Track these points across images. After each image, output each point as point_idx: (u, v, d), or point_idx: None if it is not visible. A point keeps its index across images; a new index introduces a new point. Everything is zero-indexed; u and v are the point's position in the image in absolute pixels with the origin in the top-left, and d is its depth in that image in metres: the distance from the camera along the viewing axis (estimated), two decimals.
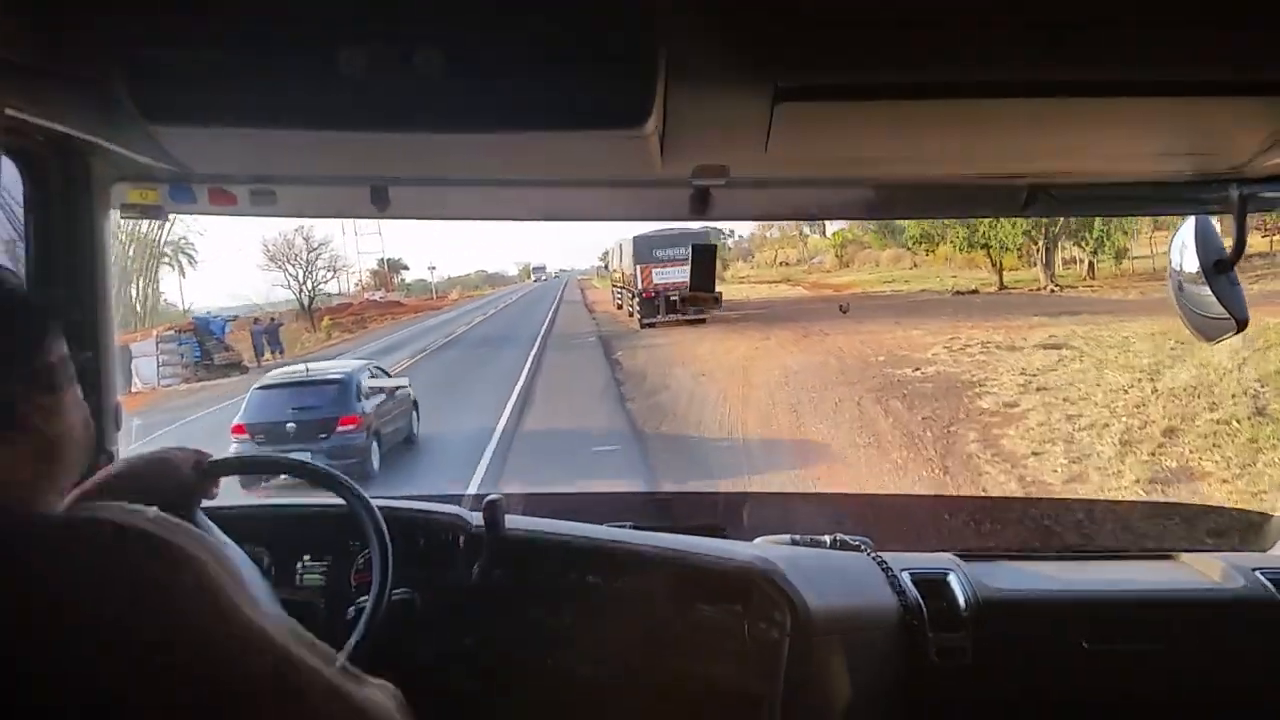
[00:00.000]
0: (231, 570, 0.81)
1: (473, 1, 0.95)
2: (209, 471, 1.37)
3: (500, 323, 30.90)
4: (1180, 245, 1.46)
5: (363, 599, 1.47)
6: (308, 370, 11.07)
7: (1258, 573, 1.69)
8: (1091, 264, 25.30)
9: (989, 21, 0.93)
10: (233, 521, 1.70)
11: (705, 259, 1.72)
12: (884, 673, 1.61)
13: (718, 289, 2.04)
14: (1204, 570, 1.75)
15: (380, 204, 1.51)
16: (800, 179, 1.54)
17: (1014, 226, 22.07)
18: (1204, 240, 1.42)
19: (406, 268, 58.45)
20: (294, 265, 33.72)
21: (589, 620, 1.66)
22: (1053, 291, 23.00)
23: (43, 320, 0.84)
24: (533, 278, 72.48)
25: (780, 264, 49.92)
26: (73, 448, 0.86)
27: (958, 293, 24.64)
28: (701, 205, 1.57)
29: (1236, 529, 2.20)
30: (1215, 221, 1.48)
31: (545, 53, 0.96)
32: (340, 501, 1.50)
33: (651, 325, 21.42)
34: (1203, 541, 2.00)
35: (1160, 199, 1.56)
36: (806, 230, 50.02)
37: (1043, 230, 22.45)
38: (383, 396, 10.35)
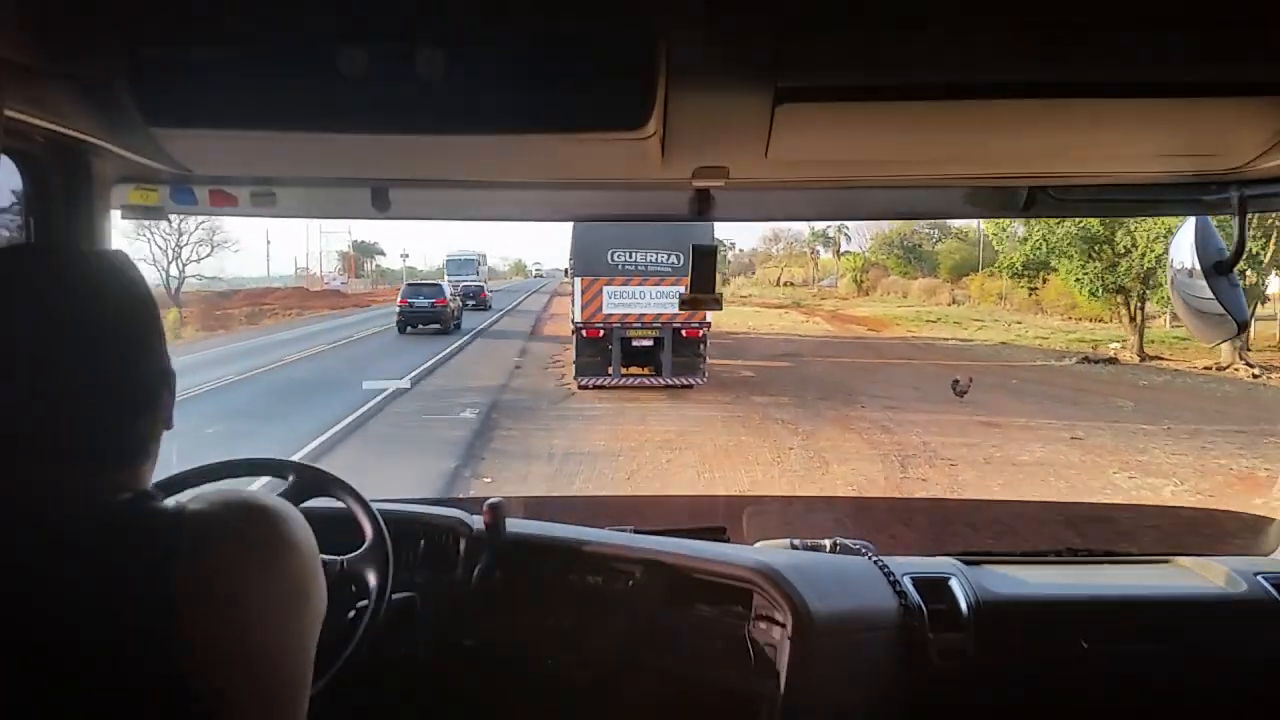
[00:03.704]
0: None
1: (473, 3, 0.95)
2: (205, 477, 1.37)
3: (367, 349, 19.81)
4: (1180, 246, 1.46)
5: (363, 601, 1.46)
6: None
7: (1259, 576, 1.68)
8: None
9: (989, 22, 0.93)
10: None
11: (706, 261, 1.72)
12: (885, 675, 1.61)
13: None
14: (1206, 573, 1.75)
15: (381, 205, 1.51)
16: (801, 180, 1.54)
17: (1158, 262, 15.34)
18: (1204, 241, 1.42)
19: (382, 253, 57.42)
20: (162, 235, 27.98)
21: (590, 622, 1.66)
22: (1255, 375, 15.37)
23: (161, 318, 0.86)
24: (531, 274, 73.06)
25: (785, 283, 45.36)
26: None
27: (1087, 360, 17.65)
28: (702, 206, 1.57)
29: (1238, 533, 2.20)
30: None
31: (546, 54, 0.96)
32: (340, 504, 1.50)
33: (593, 387, 13.07)
34: (1204, 545, 1.99)
35: (1160, 200, 1.57)
36: (818, 247, 46.34)
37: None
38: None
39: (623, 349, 13.26)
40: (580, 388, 13.26)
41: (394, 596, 1.47)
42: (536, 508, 1.99)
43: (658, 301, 13.10)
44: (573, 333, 13.79)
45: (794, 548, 1.82)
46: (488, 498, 1.73)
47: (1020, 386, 13.97)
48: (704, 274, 1.73)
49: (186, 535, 0.76)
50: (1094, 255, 17.46)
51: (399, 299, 23.42)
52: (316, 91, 0.97)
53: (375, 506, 1.51)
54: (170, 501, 0.81)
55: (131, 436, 0.81)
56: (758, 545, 1.83)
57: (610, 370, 13.29)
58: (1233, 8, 0.91)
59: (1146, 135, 1.23)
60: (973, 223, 38.64)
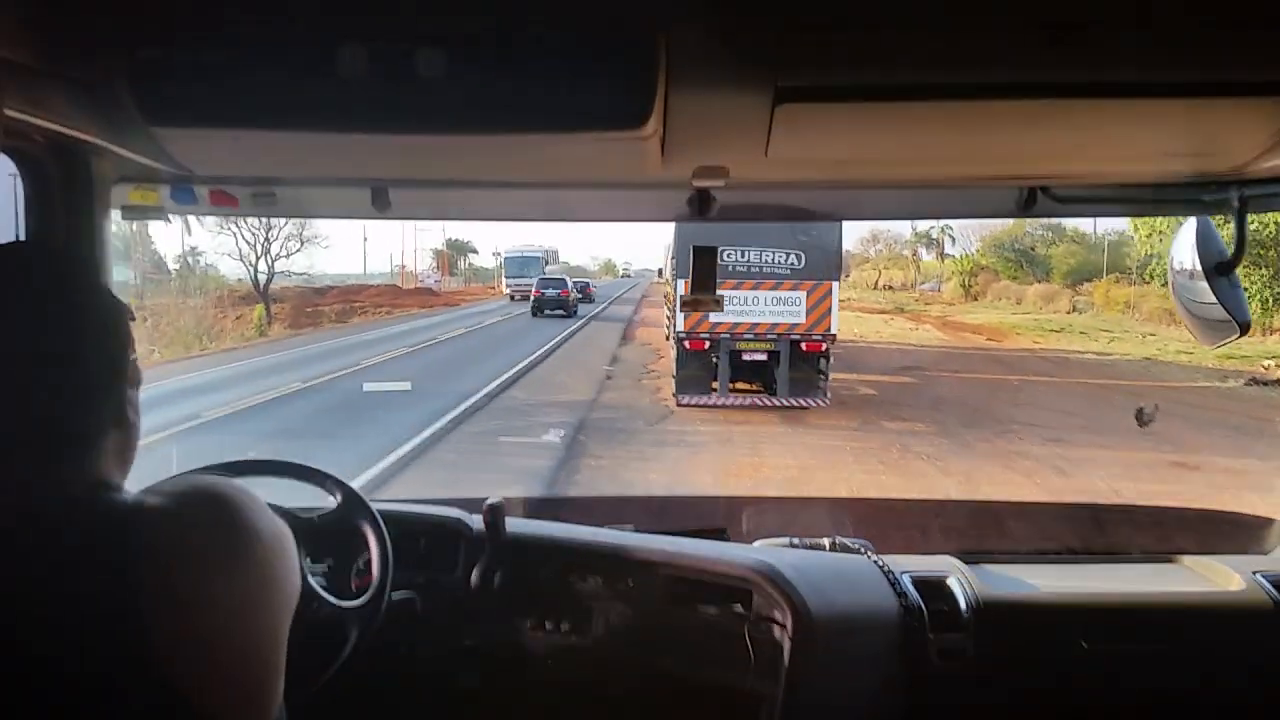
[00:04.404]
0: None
1: (473, 3, 0.95)
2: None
3: (450, 352, 18.35)
4: (1180, 247, 1.46)
5: (363, 600, 1.46)
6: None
7: (1258, 576, 1.69)
8: None
9: (989, 22, 0.93)
10: None
11: (706, 261, 1.72)
12: (885, 674, 1.61)
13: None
14: (1205, 573, 1.75)
15: (381, 205, 1.52)
16: (800, 180, 1.54)
17: None
18: (1205, 242, 1.42)
19: (475, 251, 57.90)
20: (250, 229, 26.58)
21: (590, 622, 1.66)
22: None
23: (127, 316, 0.87)
24: (620, 274, 71.84)
25: (884, 287, 42.32)
26: (138, 440, 0.90)
27: (1255, 381, 14.39)
28: (702, 206, 1.57)
29: (1238, 533, 2.19)
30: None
31: (546, 54, 0.96)
32: (341, 504, 1.50)
33: (697, 405, 11.48)
34: (1204, 545, 1.99)
35: (1161, 200, 1.57)
36: (920, 249, 43.87)
37: None
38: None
39: (731, 364, 11.60)
40: (680, 405, 11.59)
41: (394, 596, 1.47)
42: (536, 508, 1.99)
43: (774, 309, 11.48)
44: (672, 343, 12.25)
45: (793, 547, 1.83)
46: (487, 497, 1.73)
47: (1193, 414, 11.52)
48: (704, 273, 1.73)
49: (146, 530, 0.76)
50: (1260, 262, 14.96)
51: (533, 290, 28.31)
52: (316, 91, 0.97)
53: (375, 507, 1.51)
54: (130, 494, 0.81)
55: (83, 427, 0.81)
56: (757, 545, 1.83)
57: (716, 387, 11.63)
58: (1233, 8, 0.91)
59: (1146, 135, 1.23)
60: (1090, 224, 36.93)
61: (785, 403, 11.48)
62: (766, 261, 11.42)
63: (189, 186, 1.49)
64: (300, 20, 0.95)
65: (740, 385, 11.97)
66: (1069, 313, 27.28)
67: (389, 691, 1.61)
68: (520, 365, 15.34)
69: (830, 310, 11.53)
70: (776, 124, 1.11)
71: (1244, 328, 1.40)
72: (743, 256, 11.41)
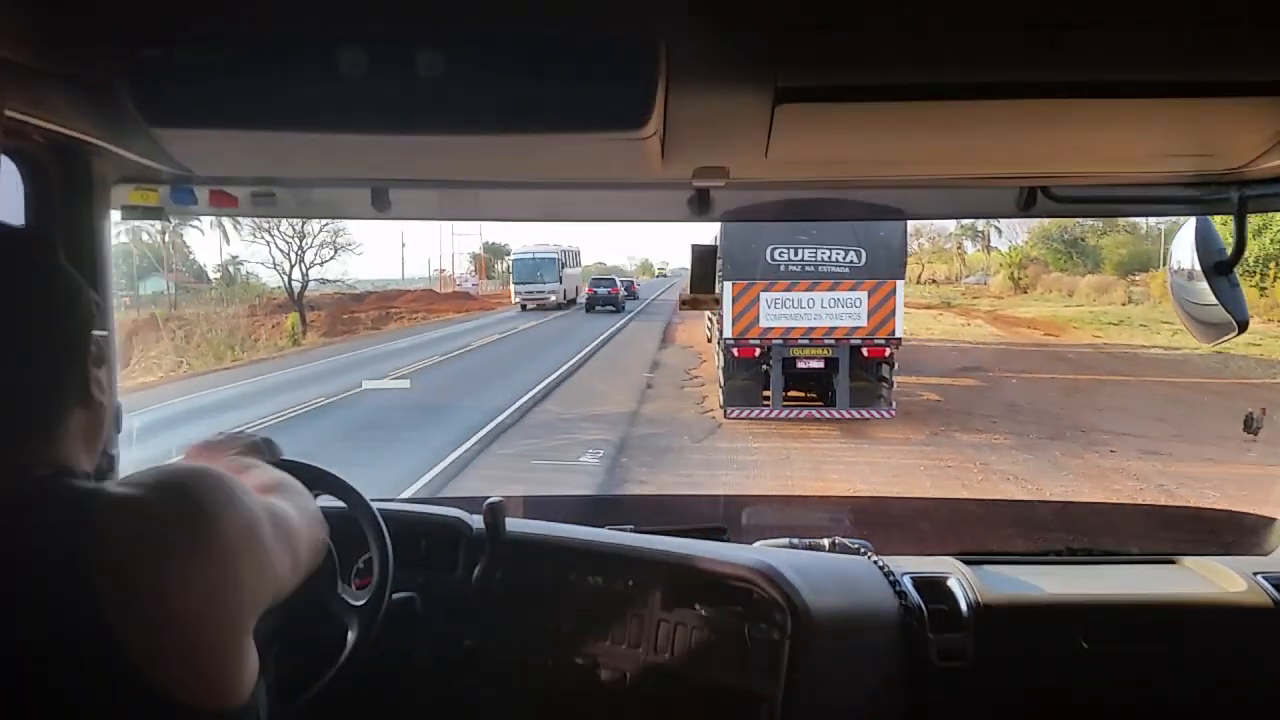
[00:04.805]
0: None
1: (473, 3, 0.95)
2: None
3: (482, 361, 17.62)
4: (1180, 246, 1.46)
5: (363, 600, 1.46)
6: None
7: (1259, 576, 1.68)
8: None
9: (989, 22, 0.93)
10: None
11: (706, 261, 1.72)
12: (885, 674, 1.61)
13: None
14: (1205, 574, 1.75)
15: (381, 205, 1.52)
16: (800, 180, 1.54)
17: None
18: (1204, 241, 1.42)
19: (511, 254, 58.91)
20: (283, 238, 26.17)
21: (589, 622, 1.66)
22: None
23: (90, 296, 0.87)
24: (656, 274, 70.89)
25: (929, 281, 41.14)
26: (109, 420, 0.90)
27: None
28: (702, 207, 1.57)
29: (1238, 533, 2.19)
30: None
31: (546, 54, 0.97)
32: (341, 504, 1.50)
33: (746, 418, 10.54)
34: (1204, 545, 1.99)
35: (1160, 200, 1.57)
36: (965, 242, 43.03)
37: None
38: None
39: (785, 372, 10.55)
40: (727, 415, 10.65)
41: (394, 596, 1.47)
42: (536, 507, 1.99)
43: (831, 311, 10.45)
44: (717, 349, 11.31)
45: (793, 547, 1.83)
46: (487, 497, 1.73)
47: None
48: (704, 273, 1.73)
49: (101, 516, 0.76)
50: None
51: (587, 288, 30.87)
52: (316, 91, 0.98)
53: (375, 506, 1.51)
54: (92, 481, 0.81)
55: (43, 408, 0.81)
56: (757, 545, 1.82)
57: (768, 398, 10.56)
58: (1233, 8, 0.91)
59: (1146, 135, 1.23)
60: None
61: (846, 415, 10.45)
62: (823, 260, 10.45)
63: (189, 187, 1.50)
64: (300, 21, 0.96)
65: (792, 394, 10.96)
66: (1124, 304, 26.14)
67: (389, 691, 1.61)
68: (556, 374, 14.48)
69: (894, 311, 10.53)
70: (776, 124, 1.11)
71: (1242, 326, 1.41)
72: (795, 255, 10.41)
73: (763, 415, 10.56)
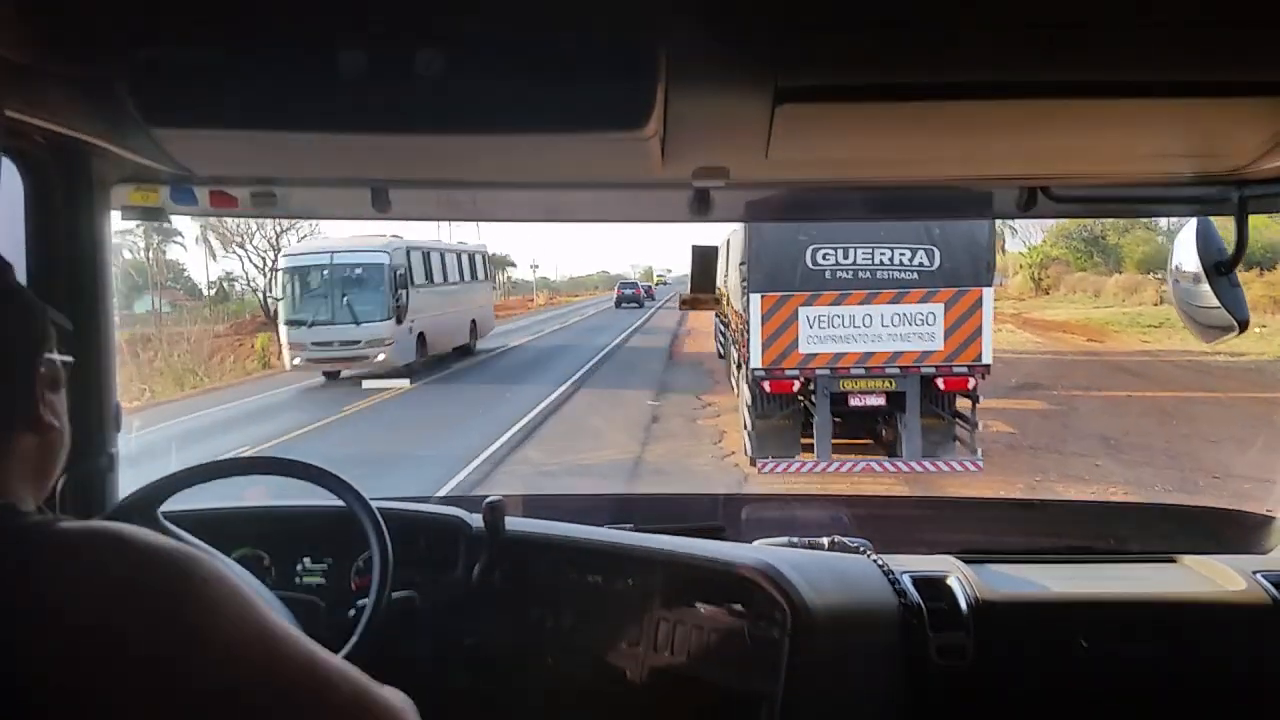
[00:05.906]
0: (242, 579, 0.78)
1: (473, 3, 0.95)
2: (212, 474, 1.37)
3: (460, 391, 14.51)
4: (1181, 247, 1.46)
5: (363, 600, 1.47)
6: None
7: (1258, 575, 1.68)
8: None
9: (989, 22, 0.93)
10: (233, 523, 1.71)
11: (707, 261, 1.72)
12: (884, 672, 1.61)
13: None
14: (1205, 572, 1.75)
15: (381, 206, 1.52)
16: (801, 180, 1.54)
17: None
18: (1205, 241, 1.42)
19: (513, 264, 60.04)
20: (257, 252, 24.51)
21: (589, 621, 1.66)
22: None
23: (46, 318, 0.84)
24: (656, 282, 72.03)
25: None
26: (64, 448, 0.86)
27: None
28: (702, 207, 1.57)
29: (1238, 532, 2.19)
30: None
31: (546, 54, 0.96)
32: (340, 503, 1.50)
33: (782, 471, 7.94)
34: (1204, 544, 1.99)
35: (1161, 200, 1.57)
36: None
37: None
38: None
39: (833, 411, 8.01)
40: (752, 462, 8.14)
41: (394, 596, 1.47)
42: (536, 507, 1.99)
43: (896, 331, 7.90)
44: (743, 381, 8.60)
45: (793, 546, 1.83)
46: (487, 496, 1.73)
47: None
48: (704, 273, 1.72)
49: (36, 554, 0.71)
50: None
51: (615, 289, 45.49)
52: (316, 91, 0.98)
53: (375, 505, 1.51)
54: (34, 516, 0.77)
55: None
56: (756, 543, 1.83)
57: (814, 446, 8.01)
58: (1233, 8, 0.91)
59: (1147, 135, 1.23)
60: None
61: (918, 468, 7.85)
62: (883, 262, 7.90)
63: (189, 187, 1.50)
64: (300, 20, 0.95)
65: (843, 439, 8.37)
66: (1156, 304, 23.48)
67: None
68: (544, 404, 12.26)
69: (980, 329, 7.92)
70: (777, 124, 1.11)
71: (1243, 326, 1.41)
72: (846, 257, 7.88)
73: (804, 469, 7.97)
